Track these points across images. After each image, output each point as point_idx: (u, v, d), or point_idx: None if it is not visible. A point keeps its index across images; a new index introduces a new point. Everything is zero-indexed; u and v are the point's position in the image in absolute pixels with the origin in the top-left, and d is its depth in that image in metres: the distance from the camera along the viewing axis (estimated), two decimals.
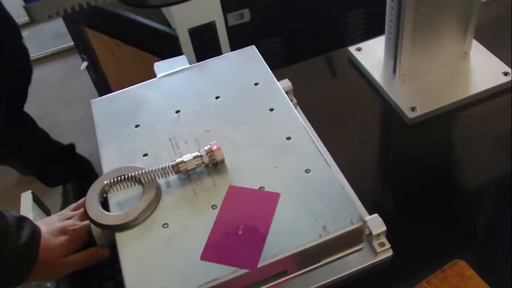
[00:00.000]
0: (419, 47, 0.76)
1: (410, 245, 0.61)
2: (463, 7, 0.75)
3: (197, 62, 0.69)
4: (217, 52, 1.17)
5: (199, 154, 0.54)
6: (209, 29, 1.17)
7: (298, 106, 0.77)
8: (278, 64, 1.25)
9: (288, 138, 0.58)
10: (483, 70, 0.81)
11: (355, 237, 0.50)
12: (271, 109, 0.62)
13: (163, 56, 0.73)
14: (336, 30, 1.25)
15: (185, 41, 1.11)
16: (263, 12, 1.19)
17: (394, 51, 0.79)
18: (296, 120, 0.60)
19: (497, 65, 0.81)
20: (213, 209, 0.52)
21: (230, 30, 1.21)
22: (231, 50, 1.18)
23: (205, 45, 1.18)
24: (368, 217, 0.57)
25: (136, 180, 0.54)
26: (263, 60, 0.68)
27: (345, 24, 1.28)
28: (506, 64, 0.80)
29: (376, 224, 0.57)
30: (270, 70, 0.66)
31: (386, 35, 0.81)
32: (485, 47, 0.84)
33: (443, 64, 0.80)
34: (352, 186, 0.65)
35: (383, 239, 0.58)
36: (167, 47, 1.15)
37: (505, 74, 0.80)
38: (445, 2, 0.72)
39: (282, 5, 1.21)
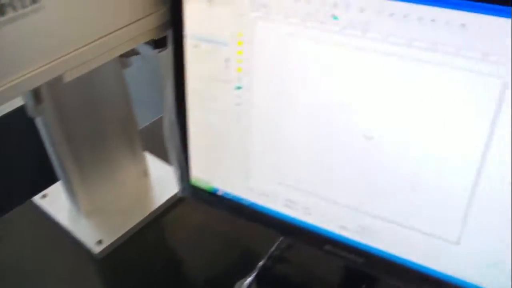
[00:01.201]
0: (93, 181, 0.79)
1: None
2: (122, 136, 0.81)
3: None
4: None
5: None
6: None
7: None
8: None
9: None
10: (162, 183, 0.86)
11: None
12: None
13: None
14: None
15: None
16: None
17: (70, 191, 0.80)
18: None
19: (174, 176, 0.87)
20: None
21: None
22: None
23: None
24: None
25: None
26: None
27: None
28: None
29: None
30: None
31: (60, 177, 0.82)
32: (164, 160, 0.90)
33: (124, 189, 0.84)
34: None
35: None
36: None
37: None
38: (97, 136, 0.77)
39: None
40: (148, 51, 0.65)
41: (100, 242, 0.77)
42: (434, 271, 0.55)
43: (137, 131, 0.82)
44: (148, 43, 0.64)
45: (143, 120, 1.02)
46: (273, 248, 0.74)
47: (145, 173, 0.87)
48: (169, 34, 0.60)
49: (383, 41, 0.47)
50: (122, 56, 0.74)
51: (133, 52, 0.73)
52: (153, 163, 0.89)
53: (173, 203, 0.85)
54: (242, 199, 0.65)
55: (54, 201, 0.85)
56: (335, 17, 0.48)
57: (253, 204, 0.64)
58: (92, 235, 0.78)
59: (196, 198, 0.70)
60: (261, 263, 0.72)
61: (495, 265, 0.50)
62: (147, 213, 0.81)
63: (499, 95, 0.43)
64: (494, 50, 0.42)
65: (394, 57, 0.46)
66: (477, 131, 0.45)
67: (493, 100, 0.44)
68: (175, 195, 0.84)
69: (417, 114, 0.48)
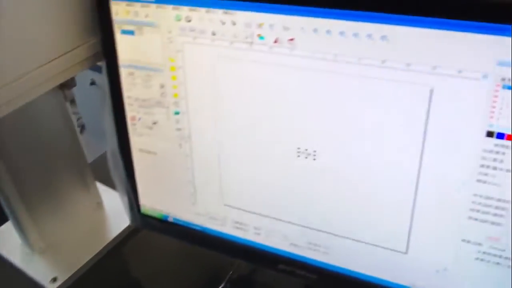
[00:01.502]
0: (43, 218, 0.77)
1: None
2: (71, 169, 0.80)
3: None
4: None
5: None
6: None
7: None
8: None
9: None
10: (117, 213, 0.84)
11: None
12: None
13: None
14: None
15: None
16: None
17: (20, 229, 0.77)
18: None
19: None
20: None
21: None
22: None
23: None
24: None
25: None
26: None
27: None
28: None
29: None
30: None
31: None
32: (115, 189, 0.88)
33: (77, 222, 0.82)
34: None
35: None
36: None
37: None
38: (44, 171, 0.76)
39: None
40: (102, 80, 0.64)
41: (54, 279, 0.75)
42: (386, 281, 0.54)
43: (86, 163, 0.81)
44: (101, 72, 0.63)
45: (100, 150, 1.00)
46: (231, 272, 0.73)
47: (99, 205, 0.86)
48: (104, 63, 0.59)
49: (311, 57, 0.46)
50: (63, 88, 0.73)
51: (73, 84, 0.72)
52: (107, 194, 0.88)
53: (130, 233, 0.83)
54: (192, 224, 0.64)
55: (5, 241, 0.83)
56: (261, 37, 0.48)
57: (204, 228, 0.64)
58: (46, 273, 0.76)
59: (147, 227, 0.69)
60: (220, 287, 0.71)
61: (442, 271, 0.50)
62: (103, 246, 0.80)
63: (427, 103, 0.43)
64: (417, 59, 0.42)
65: (323, 73, 0.46)
66: (411, 139, 0.46)
67: (422, 109, 0.44)
68: (129, 226, 0.82)
69: (351, 128, 0.48)
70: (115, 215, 0.85)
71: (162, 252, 0.80)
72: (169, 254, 0.79)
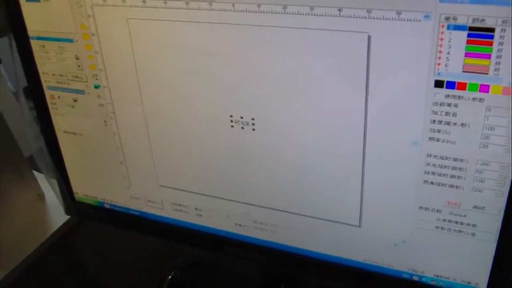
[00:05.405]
0: None
1: None
2: (5, 162, 0.72)
3: None
4: None
5: None
6: None
7: None
8: None
9: None
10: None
11: None
12: None
13: None
14: None
15: None
16: None
17: None
18: None
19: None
20: None
21: None
22: None
23: None
24: None
25: None
26: None
27: None
28: None
29: None
30: None
31: None
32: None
33: (15, 217, 0.75)
34: None
35: None
36: None
37: None
38: None
39: None
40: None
41: None
42: (341, 258, 0.49)
43: (21, 155, 0.74)
44: None
45: None
46: (181, 259, 0.67)
47: (40, 197, 0.79)
48: (11, 38, 0.52)
49: (231, 10, 0.40)
50: None
51: None
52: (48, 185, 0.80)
53: (75, 225, 0.76)
54: (129, 209, 0.58)
55: None
56: None
57: (142, 213, 0.57)
58: None
59: (83, 216, 0.63)
60: (170, 277, 0.65)
61: (401, 244, 0.45)
62: (43, 240, 0.73)
63: (366, 54, 0.38)
64: (349, 3, 0.36)
65: (248, 27, 0.40)
66: (353, 97, 0.40)
67: (361, 61, 0.38)
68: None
69: (287, 89, 0.42)
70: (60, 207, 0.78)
71: (109, 243, 0.74)
72: (117, 245, 0.73)
